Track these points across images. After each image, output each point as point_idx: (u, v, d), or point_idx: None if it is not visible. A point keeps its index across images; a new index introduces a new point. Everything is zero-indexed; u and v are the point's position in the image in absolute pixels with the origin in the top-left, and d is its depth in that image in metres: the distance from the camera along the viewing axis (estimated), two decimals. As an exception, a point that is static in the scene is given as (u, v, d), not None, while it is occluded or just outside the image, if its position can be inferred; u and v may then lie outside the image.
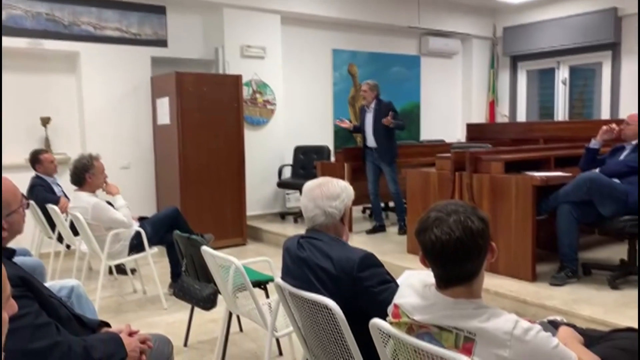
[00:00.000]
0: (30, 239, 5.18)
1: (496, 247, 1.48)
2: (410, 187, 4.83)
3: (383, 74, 7.94)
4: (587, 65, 8.22)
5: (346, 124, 5.93)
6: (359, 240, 5.46)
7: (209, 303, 3.00)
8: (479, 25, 8.80)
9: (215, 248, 2.88)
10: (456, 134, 8.77)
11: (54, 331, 1.67)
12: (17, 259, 1.98)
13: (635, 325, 2.41)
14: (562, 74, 8.40)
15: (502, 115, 9.03)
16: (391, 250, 5.05)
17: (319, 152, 6.81)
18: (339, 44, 7.72)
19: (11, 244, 1.94)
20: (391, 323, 1.57)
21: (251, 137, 6.51)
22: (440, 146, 6.53)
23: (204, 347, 3.41)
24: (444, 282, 1.46)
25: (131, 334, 1.91)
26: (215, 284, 2.92)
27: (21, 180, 3.45)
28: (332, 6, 7.23)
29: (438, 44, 8.52)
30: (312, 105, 7.56)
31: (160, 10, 6.31)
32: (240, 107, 6.13)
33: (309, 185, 2.11)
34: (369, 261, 1.90)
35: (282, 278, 2.11)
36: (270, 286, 3.03)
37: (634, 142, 3.91)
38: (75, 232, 4.33)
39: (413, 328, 1.50)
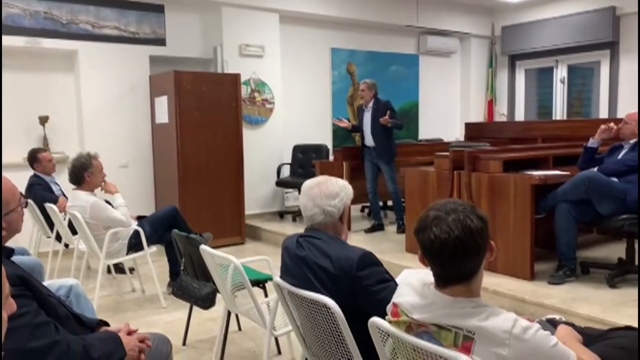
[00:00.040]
0: (28, 238, 5.18)
1: (495, 246, 1.48)
2: (408, 186, 4.84)
3: (382, 72, 7.94)
4: (586, 64, 8.22)
5: (345, 123, 5.93)
6: (358, 239, 5.45)
7: (207, 302, 3.00)
8: (478, 24, 8.80)
9: (213, 247, 2.88)
10: (455, 133, 8.77)
11: (53, 330, 1.67)
12: (15, 258, 1.98)
13: (634, 324, 2.41)
14: (561, 73, 8.41)
15: (501, 114, 9.03)
16: (390, 249, 5.06)
17: (318, 151, 6.81)
18: (338, 42, 7.72)
19: (9, 243, 1.94)
20: (390, 322, 1.57)
21: (250, 136, 6.51)
22: (438, 145, 6.53)
23: (202, 346, 3.41)
24: (443, 281, 1.47)
25: (130, 333, 1.91)
26: (214, 283, 2.92)
27: (19, 179, 3.43)
28: (330, 5, 7.22)
29: (436, 43, 8.52)
30: (310, 104, 7.56)
31: (159, 9, 6.30)
32: (239, 106, 6.12)
33: (307, 184, 2.11)
34: (368, 260, 1.90)
35: (281, 277, 2.11)
36: (269, 285, 3.03)
37: (632, 140, 3.91)
38: (74, 231, 4.33)
39: (412, 327, 1.50)
